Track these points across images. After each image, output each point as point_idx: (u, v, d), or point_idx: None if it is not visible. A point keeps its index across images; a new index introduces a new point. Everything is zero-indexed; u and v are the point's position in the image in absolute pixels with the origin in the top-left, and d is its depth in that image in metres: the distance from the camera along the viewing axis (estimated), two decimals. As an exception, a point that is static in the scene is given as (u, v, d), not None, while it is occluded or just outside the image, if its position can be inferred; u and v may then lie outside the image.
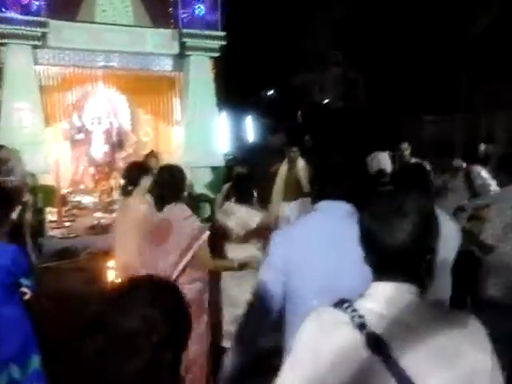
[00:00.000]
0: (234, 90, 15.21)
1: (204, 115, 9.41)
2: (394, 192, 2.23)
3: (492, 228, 3.73)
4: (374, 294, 1.39)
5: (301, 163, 7.28)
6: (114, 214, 7.39)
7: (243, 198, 4.41)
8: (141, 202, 4.42)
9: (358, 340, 1.31)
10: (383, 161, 5.24)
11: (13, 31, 7.77)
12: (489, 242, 3.72)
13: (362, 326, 1.32)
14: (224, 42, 9.48)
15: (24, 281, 3.22)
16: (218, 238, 4.00)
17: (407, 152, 6.85)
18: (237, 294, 3.97)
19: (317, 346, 1.38)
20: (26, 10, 7.85)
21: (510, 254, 3.67)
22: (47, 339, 3.37)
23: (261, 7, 19.55)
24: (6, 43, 7.90)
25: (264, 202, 6.53)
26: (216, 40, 9.40)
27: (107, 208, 8.87)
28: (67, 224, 8.50)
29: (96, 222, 8.36)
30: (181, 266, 3.13)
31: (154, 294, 1.28)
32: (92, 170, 9.92)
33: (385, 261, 1.37)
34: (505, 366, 1.38)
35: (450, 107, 16.23)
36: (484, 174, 5.39)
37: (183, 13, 9.14)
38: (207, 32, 9.28)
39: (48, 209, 8.08)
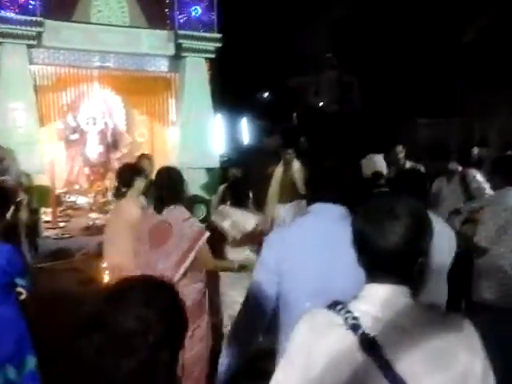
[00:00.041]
0: (229, 92, 15.19)
1: (199, 116, 9.41)
2: (387, 195, 2.24)
3: (485, 230, 3.75)
4: (368, 295, 1.39)
5: (296, 165, 7.28)
6: (108, 215, 7.37)
7: (239, 201, 4.41)
8: (134, 204, 4.42)
9: (352, 341, 1.31)
10: (379, 163, 5.26)
11: (8, 30, 7.74)
12: (482, 245, 3.74)
13: (355, 328, 1.32)
14: (220, 44, 9.49)
15: (19, 281, 3.20)
16: (217, 238, 4.01)
17: (402, 155, 6.87)
18: (232, 295, 3.99)
19: (310, 347, 1.38)
20: (21, 9, 7.83)
21: (503, 257, 3.70)
22: (41, 340, 3.35)
23: (257, 9, 19.55)
24: (0, 42, 7.87)
25: (259, 204, 6.54)
26: (212, 42, 9.41)
27: (102, 208, 8.85)
28: (62, 224, 8.47)
29: (91, 223, 8.34)
30: (183, 268, 3.13)
31: (149, 294, 1.28)
32: (87, 170, 9.91)
33: (378, 263, 1.38)
34: (497, 369, 1.39)
35: (445, 111, 16.29)
36: (479, 177, 5.41)
37: (179, 14, 9.14)
38: (203, 34, 9.29)
39: (43, 209, 8.05)
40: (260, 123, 20.32)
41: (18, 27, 7.78)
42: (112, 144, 10.15)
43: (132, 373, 1.21)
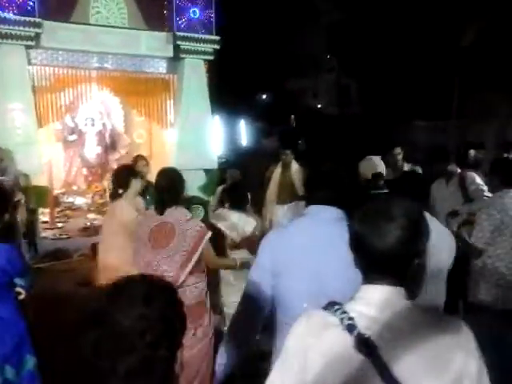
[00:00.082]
0: (227, 94, 15.22)
1: (198, 118, 9.42)
2: (384, 196, 2.25)
3: (481, 232, 3.76)
4: (364, 296, 1.40)
5: (295, 166, 7.30)
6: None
7: (237, 204, 4.43)
8: (128, 205, 4.43)
9: (348, 342, 1.32)
10: (378, 164, 5.25)
11: (6, 31, 7.73)
12: (478, 246, 3.75)
13: (351, 328, 1.33)
14: (218, 46, 9.51)
15: (18, 281, 3.20)
16: (218, 237, 4.02)
17: (400, 157, 6.88)
18: (230, 294, 4.01)
19: (307, 348, 1.38)
20: (19, 10, 7.81)
21: (499, 258, 3.71)
22: (39, 340, 3.35)
23: (255, 11, 19.58)
24: (-1, 43, 7.88)
25: (257, 205, 6.55)
26: (210, 44, 9.42)
27: (100, 209, 8.85)
28: (60, 225, 8.48)
29: (89, 224, 8.34)
30: (189, 268, 3.14)
31: (148, 293, 1.28)
32: (85, 171, 9.91)
33: (374, 264, 1.39)
34: (492, 370, 1.39)
35: (442, 114, 16.33)
36: (478, 179, 5.43)
37: (178, 16, 9.15)
38: (201, 35, 9.30)
39: (40, 210, 8.05)
40: (258, 125, 20.36)
41: (17, 28, 7.76)
42: (110, 145, 10.15)
43: (130, 371, 1.21)
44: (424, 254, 1.41)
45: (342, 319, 1.35)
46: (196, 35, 9.24)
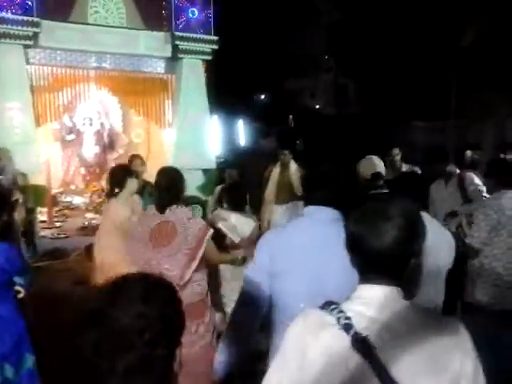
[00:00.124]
0: (225, 94, 15.22)
1: (196, 118, 9.41)
2: (382, 196, 2.26)
3: (478, 232, 3.76)
4: (361, 296, 1.41)
5: (293, 166, 7.30)
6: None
7: (236, 204, 4.44)
8: (122, 204, 4.43)
9: (345, 341, 1.32)
10: (378, 164, 5.26)
11: (4, 30, 7.72)
12: (475, 246, 3.76)
13: (347, 328, 1.33)
14: (216, 46, 9.51)
15: (18, 279, 3.20)
16: (218, 237, 4.03)
17: (398, 157, 6.89)
18: (228, 293, 4.03)
19: (304, 348, 1.39)
20: (18, 9, 7.81)
21: (496, 258, 3.71)
22: (37, 338, 3.35)
23: (254, 12, 19.58)
24: (-3, 42, 7.87)
25: (256, 205, 6.55)
26: (209, 44, 9.42)
27: (98, 209, 8.83)
28: (58, 224, 8.47)
29: (87, 223, 8.33)
30: (195, 265, 3.15)
31: (147, 291, 1.28)
32: (83, 170, 9.90)
33: (370, 264, 1.39)
34: (488, 371, 1.40)
35: (441, 114, 16.34)
36: (477, 180, 5.44)
37: (176, 16, 9.15)
38: (200, 35, 9.30)
39: (38, 209, 8.04)
40: (256, 125, 20.37)
41: (15, 27, 7.76)
42: (108, 145, 10.15)
43: (129, 369, 1.21)
44: (421, 254, 1.41)
45: (338, 318, 1.36)
46: (194, 35, 9.23)
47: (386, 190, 4.42)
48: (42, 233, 7.93)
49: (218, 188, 6.41)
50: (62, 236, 7.95)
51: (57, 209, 8.99)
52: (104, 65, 8.97)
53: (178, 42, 9.12)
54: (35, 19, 7.89)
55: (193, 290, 3.19)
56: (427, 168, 6.05)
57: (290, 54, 22.23)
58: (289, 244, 2.26)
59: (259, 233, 4.23)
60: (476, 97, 15.86)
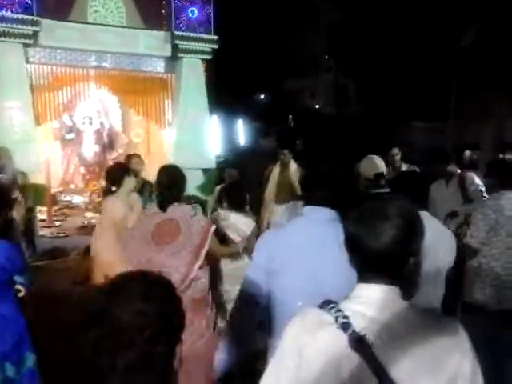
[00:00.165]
0: (225, 93, 15.23)
1: (196, 117, 9.40)
2: (379, 196, 2.27)
3: (476, 232, 3.76)
4: (359, 295, 1.41)
5: (293, 166, 7.31)
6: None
7: (236, 204, 4.45)
8: (118, 202, 4.43)
9: (343, 340, 1.33)
10: (379, 164, 5.26)
11: (4, 29, 7.72)
12: (473, 246, 3.76)
13: (345, 327, 1.34)
14: (216, 46, 9.50)
15: (18, 278, 3.20)
16: (219, 236, 4.05)
17: (398, 157, 6.91)
18: (229, 290, 4.04)
19: (302, 347, 1.39)
20: (17, 8, 7.81)
21: (494, 258, 3.71)
22: (37, 337, 3.35)
23: (254, 11, 19.58)
24: (-4, 41, 7.87)
25: (255, 205, 6.55)
26: (208, 43, 9.41)
27: (97, 208, 8.82)
28: (57, 223, 8.47)
29: (86, 222, 8.33)
30: (200, 262, 3.16)
31: (147, 289, 1.29)
32: (83, 169, 9.90)
33: (369, 263, 1.40)
34: (487, 371, 1.40)
35: (440, 115, 16.35)
36: (477, 180, 5.45)
37: (176, 15, 9.14)
38: (200, 35, 9.28)
39: (38, 208, 8.04)
40: (256, 124, 20.37)
41: (15, 26, 7.75)
42: (108, 144, 10.15)
43: (129, 367, 1.22)
44: (419, 254, 1.42)
45: (336, 317, 1.36)
46: (194, 34, 9.22)
47: (387, 190, 4.43)
48: (42, 232, 7.93)
49: (218, 188, 6.42)
50: (62, 235, 7.95)
51: (56, 208, 8.99)
52: (104, 64, 8.96)
53: (177, 42, 9.11)
54: (35, 18, 7.88)
55: (197, 287, 3.20)
56: (426, 168, 6.06)
57: (289, 54, 22.23)
58: (286, 244, 2.28)
59: (258, 232, 4.24)
60: (475, 97, 15.87)
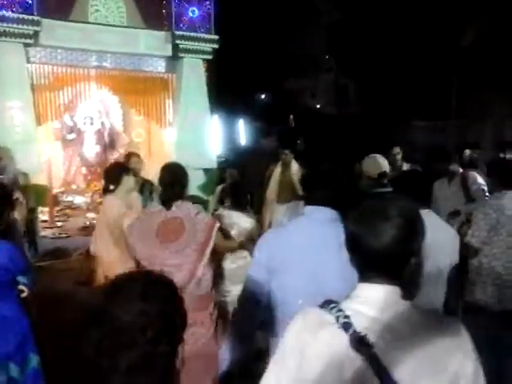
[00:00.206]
0: (226, 93, 15.23)
1: (196, 117, 9.40)
2: (380, 195, 2.28)
3: (477, 231, 3.76)
4: (361, 295, 1.41)
5: (295, 166, 7.32)
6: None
7: (238, 204, 4.46)
8: (115, 201, 4.43)
9: (344, 340, 1.32)
10: (383, 163, 5.25)
11: (5, 29, 7.72)
12: (474, 245, 3.75)
13: (346, 327, 1.33)
14: (217, 46, 9.51)
15: (21, 278, 3.20)
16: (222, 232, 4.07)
17: (399, 156, 6.91)
18: (231, 290, 4.05)
19: (303, 347, 1.39)
20: (18, 8, 7.81)
21: (496, 257, 3.70)
22: (40, 338, 3.36)
23: (254, 11, 19.59)
24: (-3, 40, 7.87)
25: (257, 204, 6.55)
26: (209, 43, 9.42)
27: (99, 208, 8.83)
28: (59, 224, 8.47)
29: (88, 223, 8.32)
30: (205, 259, 3.16)
31: (148, 288, 1.29)
32: (84, 170, 9.90)
33: (370, 263, 1.40)
34: (489, 372, 1.40)
35: (441, 114, 16.35)
36: (480, 179, 5.45)
37: (177, 15, 9.14)
38: (200, 35, 9.29)
39: (40, 208, 8.04)
40: (257, 124, 20.39)
41: (15, 26, 7.75)
42: (109, 144, 10.15)
43: (131, 367, 1.22)
44: (420, 254, 1.41)
45: (337, 317, 1.36)
46: (195, 34, 9.23)
47: (390, 189, 4.42)
48: (44, 232, 7.93)
49: (219, 188, 6.42)
50: (64, 236, 7.95)
51: (58, 208, 8.99)
52: (104, 64, 8.96)
53: (178, 41, 9.11)
54: (36, 18, 7.89)
55: (202, 283, 3.21)
56: (428, 167, 6.06)
57: (290, 54, 22.25)
58: (287, 243, 2.29)
59: (260, 232, 4.25)
60: (477, 96, 15.88)
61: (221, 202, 5.06)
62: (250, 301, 2.33)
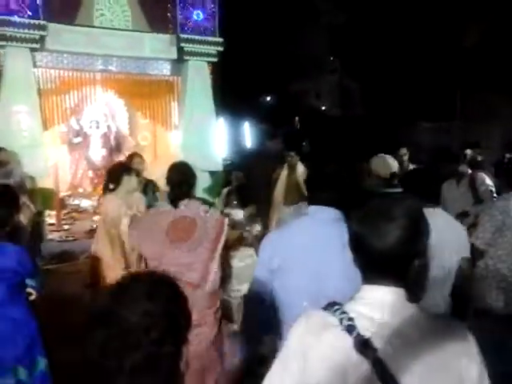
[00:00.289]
0: (231, 96, 15.23)
1: (202, 120, 9.41)
2: (384, 196, 2.27)
3: (482, 232, 3.74)
4: (365, 297, 1.40)
5: (301, 168, 7.32)
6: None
7: (244, 204, 4.49)
8: (114, 200, 4.44)
9: (347, 343, 1.32)
10: (392, 163, 5.24)
11: (11, 34, 7.76)
12: (480, 247, 3.73)
13: (350, 329, 1.33)
14: (221, 48, 9.53)
15: (29, 281, 3.22)
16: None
17: (406, 157, 6.91)
18: (239, 289, 4.05)
19: (306, 348, 1.39)
20: (24, 12, 7.84)
21: (501, 259, 3.68)
22: (47, 341, 3.37)
23: (259, 14, 19.61)
24: (4, 45, 7.88)
25: (262, 206, 6.56)
26: (214, 46, 9.44)
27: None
28: (66, 227, 8.48)
29: (95, 226, 8.31)
30: (217, 257, 3.17)
31: (153, 289, 1.30)
32: (91, 173, 9.92)
33: (374, 264, 1.39)
34: (494, 376, 1.40)
35: (447, 115, 16.31)
36: (488, 180, 5.43)
37: (181, 18, 9.17)
38: (205, 38, 9.31)
39: (47, 212, 8.06)
40: (262, 127, 20.37)
41: (22, 30, 7.79)
42: (115, 147, 10.17)
43: (135, 367, 1.22)
44: (425, 255, 1.40)
45: (341, 319, 1.36)
46: (200, 37, 9.25)
47: (400, 189, 4.42)
48: (51, 236, 7.95)
49: (225, 190, 6.43)
50: (71, 239, 7.97)
51: (65, 212, 9.01)
52: (110, 67, 8.99)
53: (183, 44, 9.13)
54: (42, 22, 7.92)
55: (212, 280, 3.19)
56: (433, 168, 6.04)
57: (294, 56, 22.24)
58: (290, 243, 2.29)
59: (264, 232, 4.26)
60: (481, 97, 15.82)
61: (226, 204, 5.07)
62: (253, 301, 2.34)
